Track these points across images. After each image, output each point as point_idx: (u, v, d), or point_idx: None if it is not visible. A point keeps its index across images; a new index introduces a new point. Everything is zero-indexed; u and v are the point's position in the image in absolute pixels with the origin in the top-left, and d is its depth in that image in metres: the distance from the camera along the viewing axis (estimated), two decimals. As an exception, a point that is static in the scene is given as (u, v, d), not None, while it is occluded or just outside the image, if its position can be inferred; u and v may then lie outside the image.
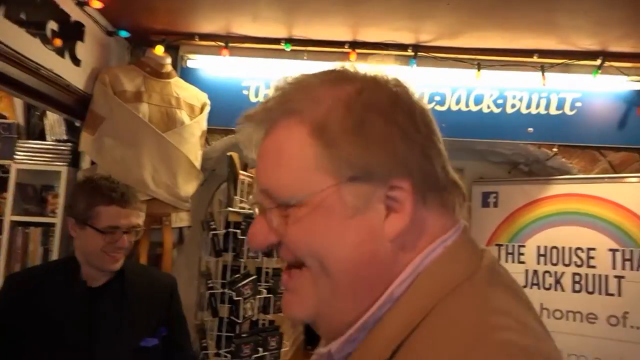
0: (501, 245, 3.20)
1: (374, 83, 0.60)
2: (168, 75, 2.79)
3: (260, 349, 2.73)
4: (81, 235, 1.65)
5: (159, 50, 2.75)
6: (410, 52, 2.83)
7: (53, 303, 1.62)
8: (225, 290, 2.62)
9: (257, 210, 0.62)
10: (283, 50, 2.86)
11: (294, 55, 2.89)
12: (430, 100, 3.01)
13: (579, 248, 2.99)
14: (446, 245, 0.57)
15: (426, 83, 2.99)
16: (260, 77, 3.02)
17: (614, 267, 2.87)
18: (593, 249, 2.94)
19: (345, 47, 2.84)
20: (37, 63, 2.10)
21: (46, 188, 2.82)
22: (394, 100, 0.58)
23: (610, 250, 2.89)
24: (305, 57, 2.90)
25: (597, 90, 3.00)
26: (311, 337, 4.50)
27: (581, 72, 2.89)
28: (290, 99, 0.59)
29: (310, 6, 2.47)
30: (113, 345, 1.63)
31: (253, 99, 3.03)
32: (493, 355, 0.47)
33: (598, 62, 2.81)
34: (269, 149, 0.59)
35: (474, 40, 2.75)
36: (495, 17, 2.46)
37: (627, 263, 2.84)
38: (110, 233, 1.61)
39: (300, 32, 2.78)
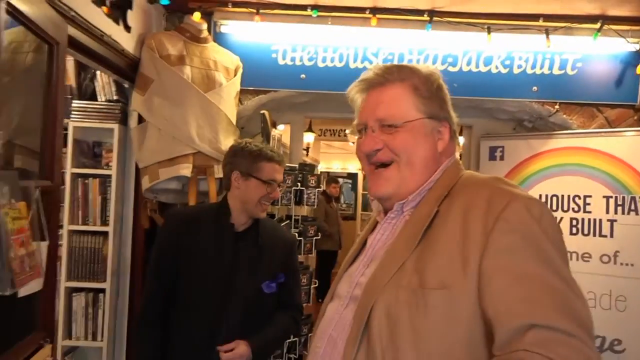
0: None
1: (431, 70, 1.13)
2: (205, 40, 3.07)
3: (293, 284, 3.10)
4: (243, 185, 1.97)
5: (197, 17, 3.02)
6: (426, 17, 3.10)
7: (205, 240, 1.94)
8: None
9: (364, 131, 1.11)
10: (309, 16, 3.13)
11: (320, 20, 3.16)
12: (444, 62, 3.29)
13: (576, 195, 3.32)
14: (454, 159, 1.15)
15: (440, 46, 3.26)
16: (287, 41, 3.30)
17: (607, 212, 3.21)
18: (589, 196, 3.27)
19: (367, 12, 3.10)
20: (101, 30, 2.39)
21: (98, 144, 3.14)
22: (441, 84, 1.12)
23: (605, 197, 3.22)
24: (330, 22, 3.17)
25: (597, 52, 3.27)
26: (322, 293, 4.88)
27: (582, 35, 3.15)
28: (398, 72, 1.10)
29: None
30: (245, 282, 1.93)
31: (281, 62, 3.31)
32: (502, 182, 1.01)
33: (598, 25, 3.07)
34: (388, 95, 1.08)
35: (484, 6, 3.01)
36: (504, -16, 2.72)
37: (619, 208, 3.17)
38: (269, 184, 1.95)
39: (325, 0, 3.04)
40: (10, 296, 1.37)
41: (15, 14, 1.51)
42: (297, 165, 3.26)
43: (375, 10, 3.09)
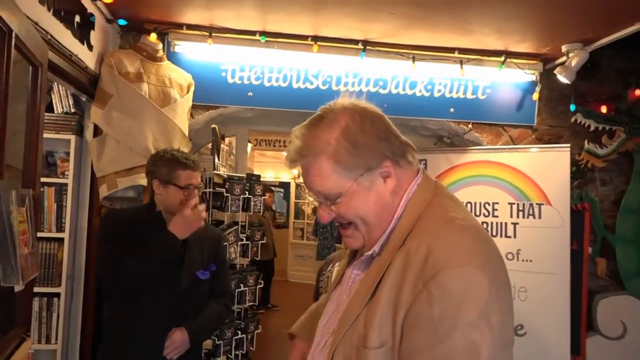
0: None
1: (351, 113, 1.03)
2: (161, 59, 3.32)
3: (242, 285, 3.40)
4: (164, 192, 2.16)
5: (153, 37, 3.27)
6: (360, 47, 3.53)
7: (140, 235, 2.09)
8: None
9: (319, 203, 1.09)
10: (258, 40, 3.46)
11: (267, 45, 3.50)
12: (376, 85, 3.74)
13: (486, 202, 3.86)
14: (418, 183, 1.08)
15: (372, 71, 3.71)
16: (236, 62, 3.61)
17: (511, 216, 3.77)
18: (497, 202, 3.82)
19: (309, 40, 3.49)
20: (70, 51, 2.59)
21: (51, 154, 3.27)
22: (364, 118, 1.03)
23: (509, 203, 3.78)
24: (275, 47, 3.52)
25: (503, 80, 3.86)
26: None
27: (490, 66, 3.72)
28: (310, 146, 1.02)
29: (282, 8, 3.08)
30: (178, 272, 2.16)
31: (230, 80, 3.61)
32: (456, 230, 0.96)
33: (502, 58, 3.65)
34: (315, 171, 1.02)
35: (410, 39, 3.49)
36: (425, 22, 3.19)
37: (521, 213, 3.74)
38: (187, 189, 2.16)
39: (273, 27, 3.40)
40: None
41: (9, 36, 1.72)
42: (244, 175, 3.57)
43: (316, 38, 3.48)
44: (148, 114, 3.09)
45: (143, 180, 3.03)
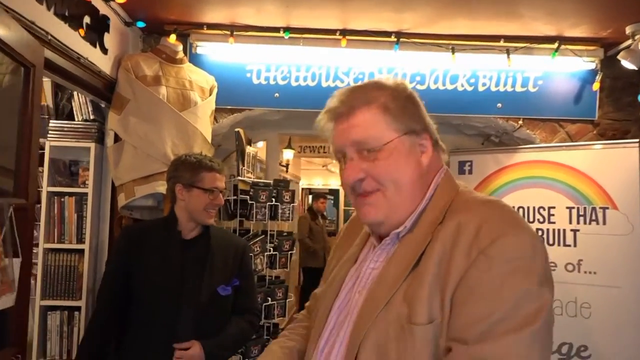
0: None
1: (398, 83, 1.06)
2: (181, 61, 3.16)
3: (269, 299, 3.17)
4: (187, 196, 2.06)
5: (173, 38, 3.12)
6: (393, 39, 3.24)
7: (154, 250, 2.04)
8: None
9: (343, 160, 1.03)
10: (282, 37, 3.24)
11: (292, 42, 3.28)
12: (412, 80, 3.43)
13: (541, 207, 3.46)
14: (444, 171, 1.06)
15: (408, 65, 3.40)
16: (261, 61, 3.41)
17: (570, 222, 3.35)
18: (553, 207, 3.40)
19: (337, 34, 3.23)
20: (78, 53, 2.46)
21: (74, 162, 3.19)
22: (411, 94, 1.05)
23: (568, 207, 3.35)
24: (301, 43, 3.29)
25: (557, 70, 3.44)
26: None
27: (542, 54, 3.32)
28: (363, 95, 1.02)
29: (305, 1, 2.85)
30: (196, 287, 2.01)
31: (255, 81, 3.42)
32: (500, 206, 0.96)
33: (555, 45, 3.25)
34: (360, 119, 1.00)
35: (448, 28, 3.16)
36: (464, 8, 2.87)
37: (581, 218, 3.31)
38: (211, 192, 2.06)
39: (297, 22, 3.17)
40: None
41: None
42: (271, 182, 3.35)
43: (344, 32, 3.22)
44: (166, 119, 2.93)
45: (162, 188, 2.87)
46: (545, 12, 2.88)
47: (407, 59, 3.37)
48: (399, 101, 1.01)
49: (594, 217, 3.27)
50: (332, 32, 3.23)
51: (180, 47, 3.17)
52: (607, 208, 3.23)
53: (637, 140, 3.15)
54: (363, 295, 0.99)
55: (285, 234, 3.40)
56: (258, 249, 3.12)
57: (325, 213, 10.31)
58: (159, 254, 2.04)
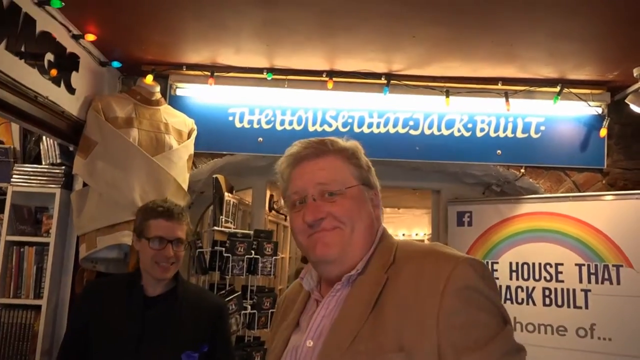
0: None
1: (357, 146, 1.14)
2: (157, 103, 2.98)
3: (245, 363, 2.84)
4: (139, 247, 1.86)
5: (149, 79, 2.95)
6: (383, 81, 3.04)
7: (114, 308, 1.81)
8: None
9: (303, 202, 1.06)
10: (265, 79, 3.06)
11: (275, 83, 3.10)
12: (405, 125, 3.21)
13: (548, 263, 3.14)
14: (384, 228, 1.13)
15: (400, 109, 3.19)
16: (244, 104, 3.22)
17: (580, 281, 3.02)
18: (561, 264, 3.09)
19: (323, 75, 3.04)
20: (34, 91, 2.28)
21: (40, 209, 2.96)
22: (365, 155, 1.14)
23: (577, 265, 3.04)
24: (286, 85, 3.10)
25: (560, 115, 3.21)
26: None
27: (543, 98, 3.10)
28: (329, 145, 1.10)
29: (290, 39, 2.67)
30: (157, 352, 1.77)
31: (238, 125, 3.22)
32: (433, 251, 1.02)
33: (558, 88, 3.03)
34: (327, 164, 1.08)
35: (441, 69, 2.96)
36: (458, 48, 2.67)
37: (592, 277, 2.99)
38: (157, 241, 1.81)
39: (280, 63, 2.99)
40: None
41: None
42: (251, 232, 3.08)
43: (331, 73, 3.04)
44: (136, 163, 2.72)
45: (127, 239, 2.62)
46: (546, 52, 2.68)
47: (399, 103, 3.17)
48: (358, 158, 1.12)
49: (606, 276, 2.96)
50: (318, 73, 3.05)
51: (157, 88, 2.99)
52: (621, 266, 2.92)
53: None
54: (319, 344, 1.00)
55: (266, 290, 3.10)
56: (234, 306, 2.82)
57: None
58: (118, 313, 1.81)
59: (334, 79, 3.03)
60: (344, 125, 3.22)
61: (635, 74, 2.79)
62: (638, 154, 3.24)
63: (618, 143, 3.25)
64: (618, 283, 2.91)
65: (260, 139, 3.22)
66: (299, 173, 1.08)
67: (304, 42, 2.69)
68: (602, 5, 2.19)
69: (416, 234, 9.74)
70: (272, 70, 3.05)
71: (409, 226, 9.89)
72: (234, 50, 2.85)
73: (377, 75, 3.04)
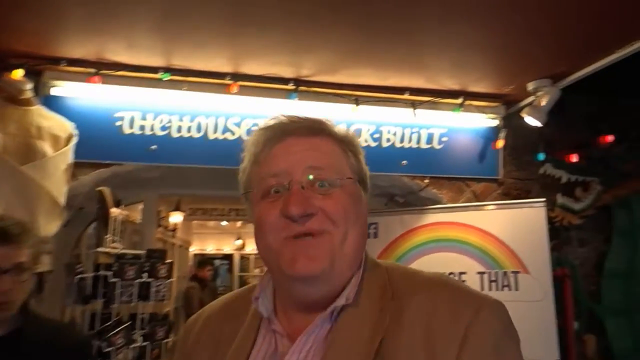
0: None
1: (354, 135, 0.92)
2: (28, 103, 2.51)
3: (136, 404, 2.47)
4: None
5: (16, 74, 2.49)
6: (291, 86, 2.88)
7: None
8: (94, 342, 2.34)
9: (285, 189, 0.78)
10: (161, 80, 2.74)
11: (173, 85, 2.79)
12: (312, 134, 3.06)
13: (451, 272, 3.17)
14: None
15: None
16: (135, 107, 2.85)
17: (482, 289, 3.09)
18: (464, 272, 3.13)
19: (227, 78, 2.80)
20: None
21: None
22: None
23: (479, 273, 3.10)
24: (185, 88, 2.81)
25: (461, 126, 3.29)
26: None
27: (447, 110, 3.15)
28: (323, 123, 0.89)
29: (190, 36, 2.41)
30: None
31: (127, 131, 2.84)
32: (444, 286, 0.80)
33: (460, 100, 3.10)
34: (322, 144, 0.83)
35: (351, 77, 2.88)
36: (368, 55, 2.60)
37: (493, 284, 3.06)
38: None
39: (179, 62, 2.70)
40: None
41: None
42: (143, 252, 2.72)
43: (236, 77, 2.81)
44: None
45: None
46: (452, 64, 2.71)
47: (307, 110, 3.01)
48: (357, 148, 0.89)
49: (506, 283, 3.05)
50: (221, 76, 2.80)
51: (29, 86, 2.52)
52: (519, 272, 3.02)
53: (544, 200, 3.03)
54: None
55: (160, 317, 2.74)
56: (121, 340, 2.43)
57: (219, 281, 9.61)
58: None
59: (239, 82, 2.80)
60: (248, 133, 2.99)
61: (529, 88, 2.94)
62: (529, 165, 3.43)
63: (511, 154, 3.41)
64: (517, 289, 3.01)
65: (153, 146, 2.87)
66: (283, 151, 0.81)
67: (207, 40, 2.44)
68: (506, 20, 2.24)
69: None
70: (169, 70, 2.73)
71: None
72: (125, 45, 2.50)
73: (284, 81, 2.87)
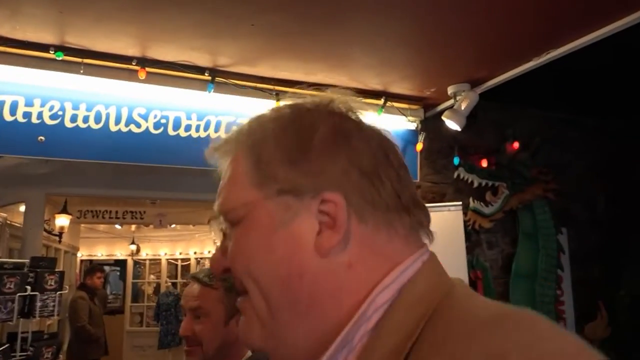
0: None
1: (310, 109, 0.61)
2: None
3: None
4: None
5: None
6: (207, 76, 2.62)
7: None
8: (-40, 370, 1.92)
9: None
10: (53, 59, 2.36)
11: (67, 67, 2.41)
12: (228, 130, 2.81)
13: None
14: (423, 260, 0.55)
15: (223, 111, 2.81)
16: (18, 90, 2.43)
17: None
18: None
19: (133, 63, 2.48)
20: None
21: None
22: (327, 120, 0.59)
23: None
24: (81, 71, 2.43)
25: (384, 128, 3.23)
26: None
27: (369, 111, 3.05)
28: (240, 133, 0.62)
29: (92, 8, 2.07)
30: None
31: (8, 118, 2.41)
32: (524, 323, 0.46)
33: (382, 101, 3.04)
34: (228, 175, 0.61)
35: (273, 69, 2.69)
36: (294, 45, 2.43)
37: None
38: None
39: (76, 40, 2.33)
40: None
41: None
42: (27, 261, 2.31)
43: (144, 62, 2.49)
44: None
45: None
46: (375, 59, 2.62)
47: (222, 103, 2.77)
48: (287, 133, 0.64)
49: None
50: (126, 59, 2.47)
51: None
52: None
53: (460, 203, 3.06)
54: None
55: (46, 336, 2.34)
56: (-2, 366, 2.02)
57: (108, 289, 8.85)
58: None
59: (147, 68, 2.49)
60: (156, 126, 2.68)
61: (449, 92, 2.96)
62: (443, 169, 3.47)
63: (427, 158, 3.43)
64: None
65: (42, 137, 2.46)
66: None
67: (110, 14, 2.11)
68: (435, 18, 2.20)
69: (209, 252, 9.31)
70: (63, 49, 2.35)
71: (202, 244, 9.43)
72: (8, 15, 2.10)
73: (200, 70, 2.61)
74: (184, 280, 8.96)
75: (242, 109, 2.84)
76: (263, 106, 2.50)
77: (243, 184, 0.57)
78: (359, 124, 0.63)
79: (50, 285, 2.31)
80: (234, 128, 0.63)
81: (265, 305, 0.55)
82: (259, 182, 0.56)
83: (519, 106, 3.65)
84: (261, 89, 2.76)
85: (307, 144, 0.56)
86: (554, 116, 3.83)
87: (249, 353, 1.35)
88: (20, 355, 2.19)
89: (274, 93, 2.77)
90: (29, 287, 2.22)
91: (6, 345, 2.11)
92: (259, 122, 0.61)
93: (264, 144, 0.57)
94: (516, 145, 3.63)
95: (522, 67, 2.69)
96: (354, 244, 0.53)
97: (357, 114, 0.65)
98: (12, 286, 2.12)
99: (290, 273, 0.53)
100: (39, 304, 2.25)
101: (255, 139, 0.59)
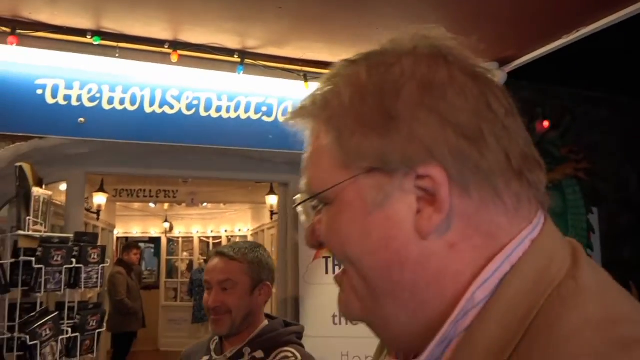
0: (328, 257, 3.22)
1: (390, 64, 0.52)
2: None
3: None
4: None
5: None
6: (236, 58, 2.69)
7: None
8: (15, 334, 2.08)
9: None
10: (90, 44, 2.47)
11: (103, 51, 2.52)
12: (258, 111, 2.90)
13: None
14: (531, 238, 0.48)
15: (254, 92, 2.88)
16: (59, 74, 2.55)
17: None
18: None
19: (166, 46, 2.57)
20: None
21: None
22: (412, 74, 0.50)
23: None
24: (117, 55, 2.54)
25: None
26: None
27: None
28: (315, 105, 0.56)
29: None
30: None
31: (50, 100, 2.54)
32: None
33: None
34: (311, 146, 0.56)
35: (301, 50, 2.74)
36: (320, 27, 2.47)
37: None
38: None
39: (111, 25, 2.44)
40: None
41: None
42: (71, 236, 2.46)
43: (176, 45, 2.58)
44: None
45: None
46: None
47: (252, 85, 2.84)
48: (365, 96, 0.58)
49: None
50: (159, 43, 2.56)
51: None
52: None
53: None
54: None
55: (91, 306, 2.50)
56: (48, 332, 2.18)
57: (143, 265, 9.18)
58: None
59: (179, 51, 2.58)
60: (189, 107, 2.78)
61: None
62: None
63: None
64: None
65: (82, 119, 2.59)
66: None
67: (143, 0, 2.20)
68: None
69: (239, 230, 9.51)
70: (99, 33, 2.46)
71: (232, 222, 9.62)
72: (48, 2, 2.21)
73: (229, 52, 2.68)
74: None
75: (271, 90, 2.90)
76: (290, 87, 2.57)
77: (328, 165, 0.53)
78: (451, 70, 0.52)
79: (94, 258, 2.46)
80: (308, 96, 0.58)
81: (364, 286, 0.52)
82: (344, 161, 0.51)
83: (549, 85, 3.60)
84: (289, 70, 2.81)
85: (392, 110, 0.49)
86: (584, 94, 3.77)
87: (266, 322, 1.46)
88: (67, 323, 2.35)
89: (302, 74, 2.83)
90: (74, 260, 2.37)
91: (56, 313, 2.27)
92: (333, 91, 0.54)
93: (343, 117, 0.52)
94: (546, 124, 3.60)
95: (552, 45, 2.66)
96: (457, 220, 0.48)
97: (449, 56, 0.53)
98: (59, 259, 2.28)
99: (390, 262, 0.49)
100: (83, 275, 2.41)
101: (332, 112, 0.53)
